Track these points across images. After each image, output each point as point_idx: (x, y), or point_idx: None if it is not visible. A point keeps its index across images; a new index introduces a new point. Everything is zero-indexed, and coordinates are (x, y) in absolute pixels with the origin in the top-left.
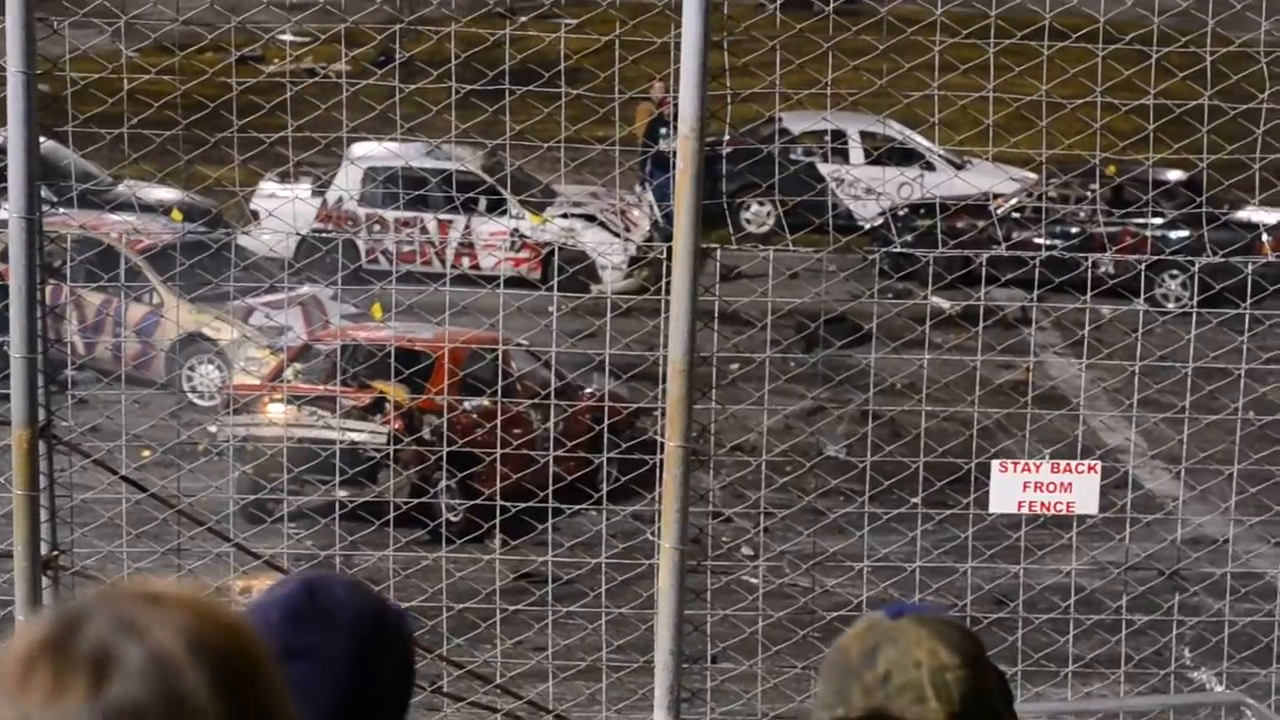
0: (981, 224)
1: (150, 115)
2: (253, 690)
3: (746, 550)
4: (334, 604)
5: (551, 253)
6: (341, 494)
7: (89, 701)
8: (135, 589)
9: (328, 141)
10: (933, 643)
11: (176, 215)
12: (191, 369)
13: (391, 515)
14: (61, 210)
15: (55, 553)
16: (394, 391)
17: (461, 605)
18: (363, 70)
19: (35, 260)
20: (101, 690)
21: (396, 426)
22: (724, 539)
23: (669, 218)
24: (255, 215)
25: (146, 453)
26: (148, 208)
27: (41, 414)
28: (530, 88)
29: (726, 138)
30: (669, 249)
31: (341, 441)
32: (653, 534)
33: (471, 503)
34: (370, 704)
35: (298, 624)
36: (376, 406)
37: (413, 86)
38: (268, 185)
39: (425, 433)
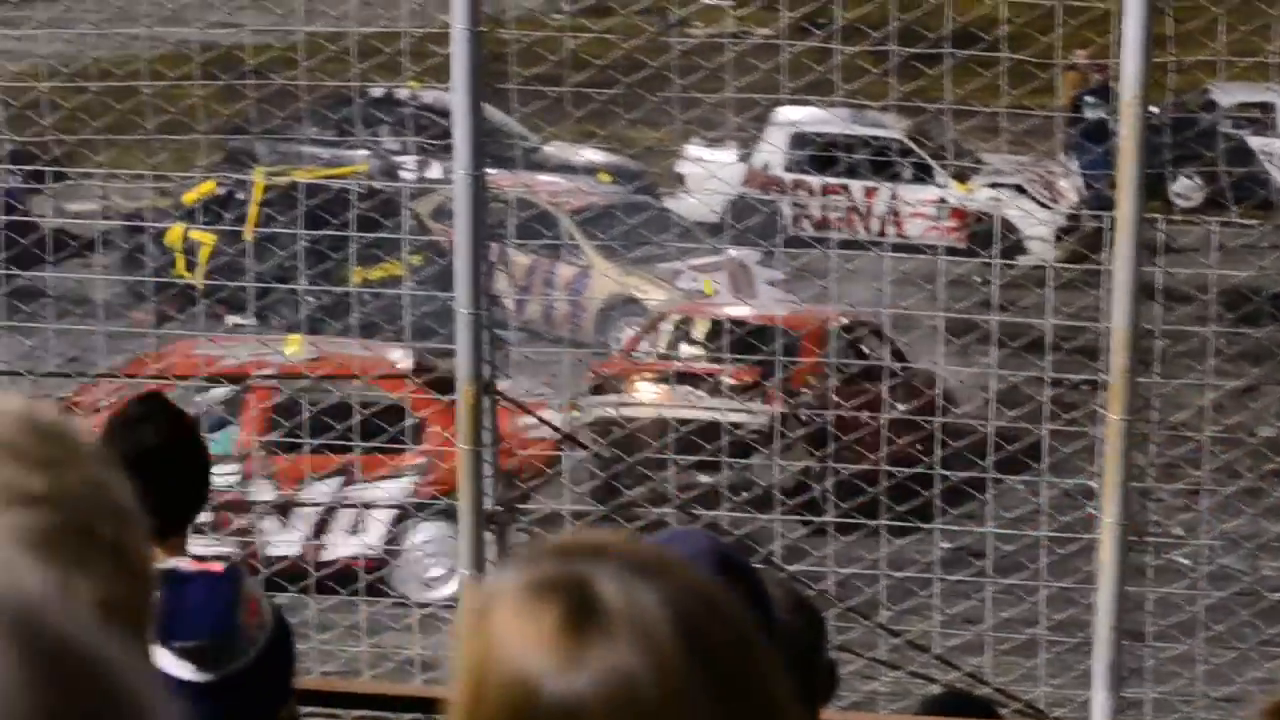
0: None
1: (582, 78)
2: (734, 659)
3: (1177, 530)
4: (742, 566)
5: (978, 222)
6: (705, 478)
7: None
8: (628, 549)
9: (767, 104)
10: None
11: (605, 177)
12: (620, 330)
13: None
14: (493, 170)
15: (499, 508)
16: None
17: (901, 574)
18: (792, 33)
19: (482, 217)
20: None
21: (779, 409)
22: (1155, 516)
23: (1095, 189)
24: (681, 178)
25: (577, 412)
26: (576, 169)
27: (486, 370)
28: (971, 52)
29: (1155, 109)
30: (1111, 219)
31: (722, 423)
32: (1093, 508)
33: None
34: None
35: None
36: (754, 387)
37: (853, 49)
38: (693, 149)
39: (801, 415)
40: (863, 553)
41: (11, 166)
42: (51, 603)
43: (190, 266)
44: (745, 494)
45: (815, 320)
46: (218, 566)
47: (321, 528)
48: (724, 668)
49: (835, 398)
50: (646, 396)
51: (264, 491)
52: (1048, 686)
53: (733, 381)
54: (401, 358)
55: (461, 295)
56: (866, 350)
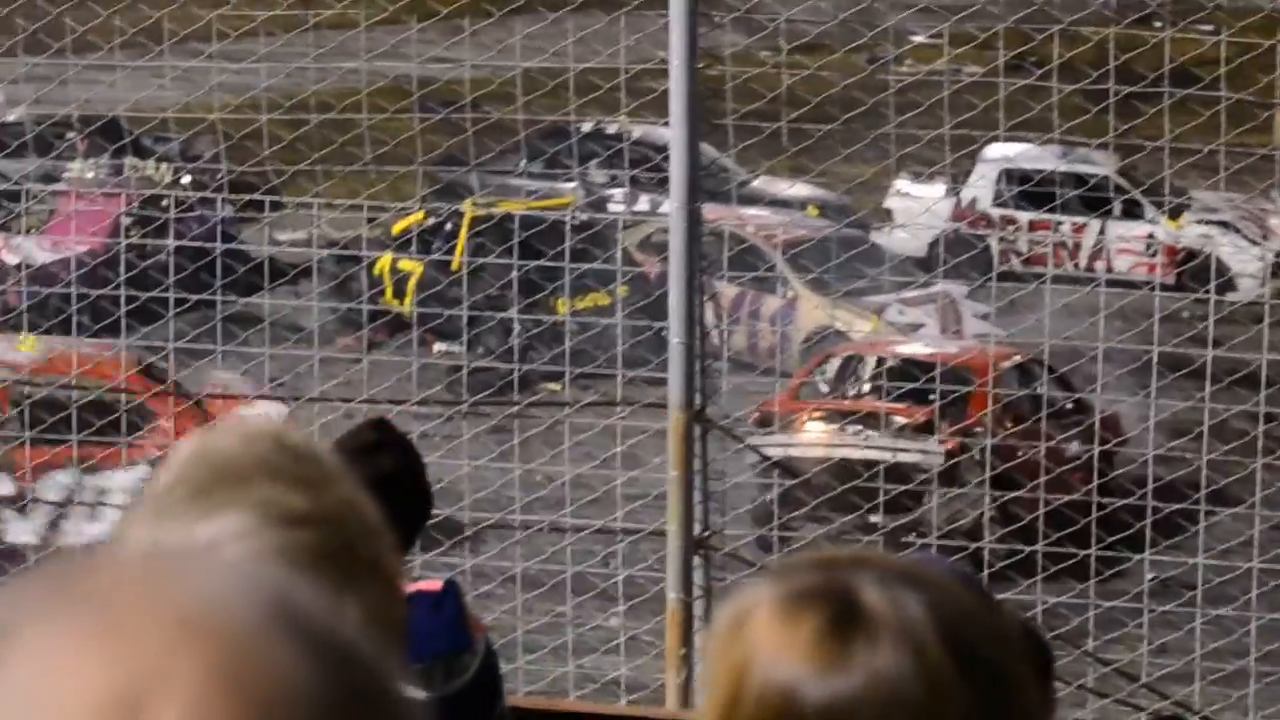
0: None
1: (796, 114)
2: (997, 670)
3: None
4: (983, 592)
5: (1187, 258)
6: (876, 518)
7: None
8: (889, 561)
9: (983, 142)
10: None
11: (813, 211)
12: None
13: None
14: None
15: (708, 534)
16: None
17: (1109, 604)
18: (1005, 71)
19: (696, 249)
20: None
21: (951, 446)
22: None
23: None
24: (889, 213)
25: None
26: (788, 204)
27: (697, 398)
28: (1190, 91)
29: None
30: None
31: (889, 462)
32: None
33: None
34: None
35: None
36: (928, 426)
37: (1070, 87)
38: (900, 184)
39: (975, 454)
40: (1072, 581)
41: (230, 196)
42: (336, 613)
43: (399, 295)
44: (945, 527)
45: (989, 358)
46: (434, 584)
47: (60, 516)
48: (987, 676)
49: (1042, 430)
50: (815, 435)
51: (2, 484)
52: (1258, 717)
53: (905, 420)
54: (127, 359)
55: (675, 325)
56: (1040, 389)
